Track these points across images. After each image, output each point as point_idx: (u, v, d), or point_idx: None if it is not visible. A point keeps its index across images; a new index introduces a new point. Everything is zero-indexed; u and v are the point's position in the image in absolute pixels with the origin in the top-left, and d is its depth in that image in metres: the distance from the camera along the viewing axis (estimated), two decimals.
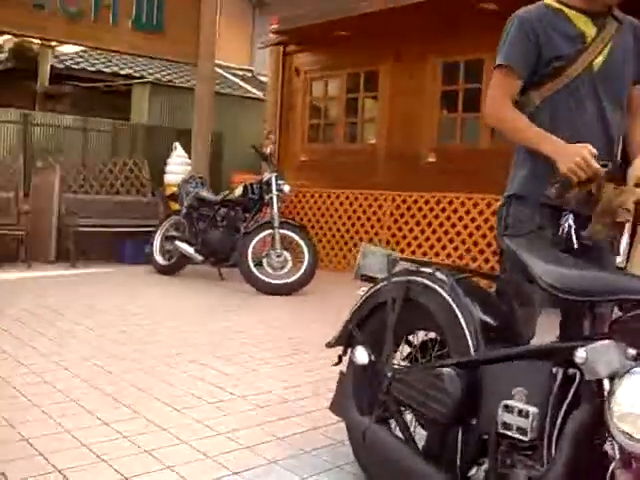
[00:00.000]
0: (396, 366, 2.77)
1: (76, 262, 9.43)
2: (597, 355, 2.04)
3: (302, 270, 7.84)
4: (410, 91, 9.65)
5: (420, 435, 2.73)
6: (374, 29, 9.53)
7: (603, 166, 2.47)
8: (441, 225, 9.01)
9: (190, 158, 10.90)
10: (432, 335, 2.83)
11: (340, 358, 3.06)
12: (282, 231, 7.96)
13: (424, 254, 9.13)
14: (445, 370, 2.40)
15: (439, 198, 9.05)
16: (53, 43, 13.35)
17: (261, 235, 8.03)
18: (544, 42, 2.68)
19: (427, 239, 9.16)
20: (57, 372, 4.29)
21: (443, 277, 2.61)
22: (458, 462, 2.40)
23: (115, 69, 14.89)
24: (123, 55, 14.01)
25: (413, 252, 9.25)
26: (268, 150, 8.38)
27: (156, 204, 10.78)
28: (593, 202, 2.51)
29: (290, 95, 11.53)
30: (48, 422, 3.38)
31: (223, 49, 19.02)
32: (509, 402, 2.17)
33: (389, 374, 2.70)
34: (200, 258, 8.63)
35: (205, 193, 8.92)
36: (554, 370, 2.16)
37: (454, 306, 2.53)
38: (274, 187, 8.05)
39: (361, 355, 2.80)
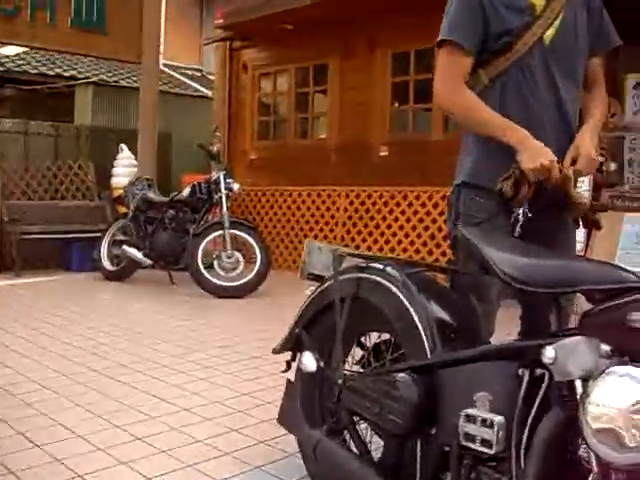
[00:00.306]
0: (347, 372, 2.53)
1: (21, 271, 9.06)
2: (567, 353, 1.83)
3: (255, 271, 7.59)
4: (360, 84, 9.43)
5: (378, 444, 2.50)
6: (321, 21, 9.28)
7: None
8: (396, 219, 8.81)
9: (137, 160, 10.56)
10: (386, 336, 2.60)
11: (288, 364, 2.82)
12: (233, 231, 7.69)
13: (380, 249, 8.93)
14: (400, 376, 2.17)
15: (393, 192, 8.85)
16: None
17: (211, 236, 7.75)
18: (491, 15, 2.45)
19: (382, 234, 8.95)
20: None
21: (395, 273, 2.38)
22: (418, 476, 2.17)
23: (58, 71, 14.41)
24: (66, 56, 13.61)
25: (369, 248, 9.04)
26: (215, 148, 8.08)
27: (103, 208, 10.45)
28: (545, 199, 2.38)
29: (238, 92, 11.25)
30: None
31: (171, 48, 18.69)
32: (471, 411, 1.95)
33: (340, 381, 2.46)
34: (149, 262, 8.32)
35: (152, 195, 8.61)
36: (520, 372, 1.95)
37: (407, 304, 2.30)
38: (222, 186, 7.78)
39: (309, 361, 2.56)
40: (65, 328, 5.77)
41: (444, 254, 8.22)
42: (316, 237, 9.69)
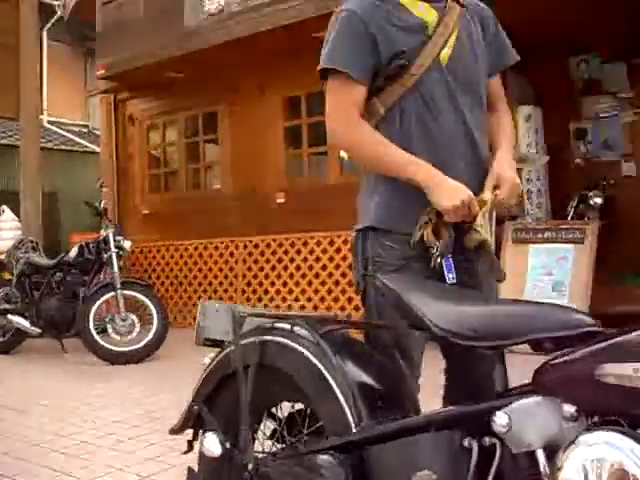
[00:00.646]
0: (258, 454, 2.14)
1: None
2: (524, 418, 1.52)
3: (152, 333, 7.11)
4: (252, 130, 9.14)
5: None
6: (208, 68, 8.95)
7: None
8: (298, 268, 8.47)
9: (21, 221, 9.95)
10: (301, 405, 2.24)
11: (190, 444, 2.40)
12: (125, 292, 7.19)
13: (283, 300, 8.57)
14: (321, 458, 1.82)
15: (293, 239, 8.53)
16: None
17: (103, 299, 7.24)
18: (380, 37, 2.15)
19: (284, 284, 8.60)
20: None
21: (305, 333, 2.03)
22: None
23: None
24: None
25: (271, 299, 8.67)
26: (102, 204, 7.61)
27: None
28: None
29: (126, 145, 10.80)
30: None
31: (56, 105, 18.05)
32: None
33: (250, 467, 2.07)
34: (38, 331, 7.70)
35: (37, 258, 8.03)
36: (466, 443, 1.62)
37: (322, 369, 1.95)
38: (112, 244, 7.29)
39: (212, 444, 2.16)
40: None
41: (350, 300, 7.92)
42: (216, 292, 9.26)
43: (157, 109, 10.45)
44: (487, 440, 1.59)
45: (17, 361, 7.65)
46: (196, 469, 2.32)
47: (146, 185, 10.65)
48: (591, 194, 7.53)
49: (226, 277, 9.20)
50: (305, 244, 8.42)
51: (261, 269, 8.84)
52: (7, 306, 8.07)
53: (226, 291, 9.16)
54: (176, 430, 2.42)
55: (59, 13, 16.61)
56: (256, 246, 8.90)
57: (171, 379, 5.99)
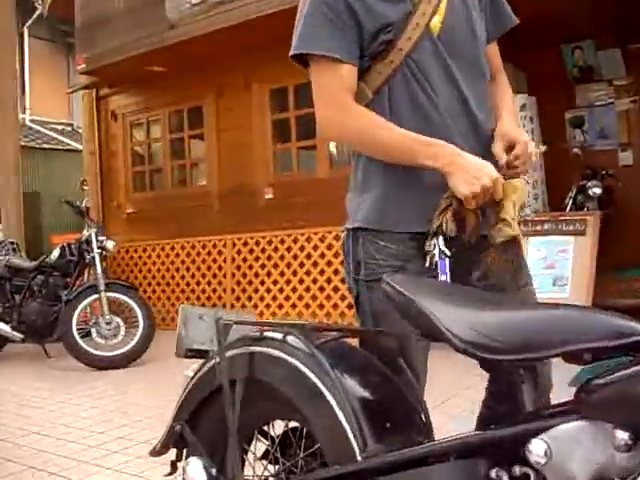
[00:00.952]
0: None
1: None
2: (566, 447, 1.26)
3: (137, 336, 6.83)
4: (238, 124, 8.87)
5: None
6: (191, 60, 8.68)
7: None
8: (289, 265, 8.21)
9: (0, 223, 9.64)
10: (296, 423, 1.98)
11: (173, 465, 2.14)
12: (109, 294, 6.92)
13: (274, 298, 8.30)
14: None
15: (282, 236, 8.26)
16: None
17: (86, 301, 6.95)
18: (360, 11, 1.88)
19: (275, 282, 8.33)
20: None
21: (299, 343, 1.76)
22: None
23: None
24: None
25: (262, 298, 8.40)
26: (84, 203, 7.32)
27: None
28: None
29: (109, 142, 10.51)
30: None
31: (39, 104, 17.74)
32: None
33: None
34: (19, 336, 7.39)
35: (17, 260, 7.73)
36: (493, 474, 1.36)
37: (319, 384, 1.69)
38: (94, 245, 7.01)
39: (196, 471, 1.90)
40: None
41: (343, 298, 7.66)
42: (204, 291, 8.98)
43: (140, 105, 10.16)
44: (518, 470, 1.34)
45: None
46: None
47: (130, 183, 10.36)
48: (590, 184, 7.29)
49: (215, 276, 8.93)
50: (295, 241, 8.15)
51: (250, 267, 8.57)
52: None
53: (215, 291, 8.89)
54: (157, 452, 2.17)
55: (39, 10, 16.33)
56: (245, 244, 8.63)
57: (157, 386, 5.72)
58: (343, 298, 7.65)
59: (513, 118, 2.02)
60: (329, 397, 1.66)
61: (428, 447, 1.49)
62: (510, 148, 1.89)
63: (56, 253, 7.29)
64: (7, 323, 7.46)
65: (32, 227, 10.32)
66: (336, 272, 7.72)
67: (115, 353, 6.79)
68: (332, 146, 8.39)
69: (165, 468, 2.11)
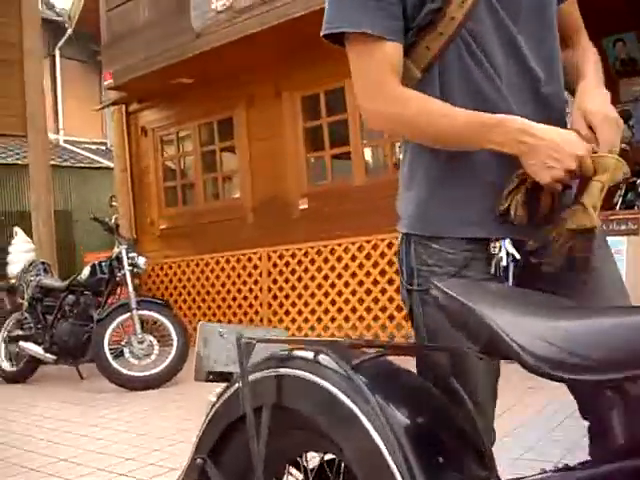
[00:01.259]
0: None
1: None
2: None
3: (171, 355, 6.59)
4: (270, 134, 8.64)
5: None
6: (219, 70, 8.47)
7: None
8: (326, 277, 7.93)
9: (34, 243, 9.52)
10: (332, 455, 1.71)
11: None
12: (142, 312, 6.71)
13: (312, 312, 8.03)
14: None
15: (319, 247, 7.99)
16: None
17: (118, 320, 6.74)
18: None
19: (313, 295, 8.06)
20: None
21: (333, 364, 1.48)
22: None
23: None
24: None
25: (299, 312, 8.14)
26: (113, 220, 7.13)
27: (2, 301, 9.32)
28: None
29: (140, 158, 10.36)
30: None
31: (73, 125, 17.75)
32: None
33: None
34: (52, 357, 7.23)
35: (48, 280, 7.58)
36: None
37: (357, 412, 1.41)
38: (125, 262, 6.82)
39: None
40: None
41: (383, 310, 7.38)
42: (240, 307, 8.74)
43: (170, 119, 10.00)
44: None
45: (30, 390, 7.19)
46: None
47: (162, 199, 10.19)
48: None
49: (251, 291, 8.69)
50: (332, 251, 7.88)
51: (287, 281, 8.31)
52: (19, 332, 7.63)
53: (251, 306, 8.65)
54: None
55: (70, 31, 16.35)
56: (280, 256, 8.37)
57: (191, 408, 5.44)
58: (384, 309, 7.37)
59: (597, 84, 1.63)
60: (368, 426, 1.38)
61: None
62: (593, 127, 1.51)
63: (87, 272, 7.11)
64: (39, 344, 7.31)
65: (65, 246, 10.20)
66: (375, 283, 7.45)
67: (148, 373, 6.57)
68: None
69: None
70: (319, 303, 7.98)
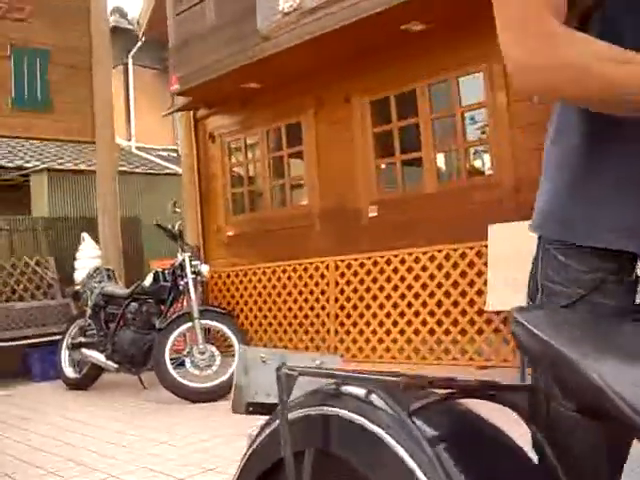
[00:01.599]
0: None
1: None
2: None
3: (232, 368, 6.37)
4: (338, 139, 8.38)
5: None
6: (286, 75, 8.28)
7: None
8: (395, 288, 7.62)
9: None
10: None
11: None
12: (204, 321, 6.52)
13: (381, 324, 7.73)
14: None
15: (388, 257, 7.68)
16: None
17: (179, 330, 6.57)
18: None
19: (381, 306, 7.75)
20: None
21: (387, 407, 1.21)
22: None
23: (3, 162, 13.10)
24: (13, 144, 12.52)
25: (368, 324, 7.84)
26: (177, 226, 6.97)
27: (67, 306, 9.31)
28: None
29: (207, 164, 10.23)
30: None
31: (145, 131, 17.84)
32: None
33: None
34: (114, 365, 7.10)
35: (111, 288, 7.47)
36: None
37: (413, 466, 1.12)
38: (188, 270, 6.64)
39: None
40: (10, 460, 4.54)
41: (455, 323, 7.03)
42: (307, 317, 8.50)
43: (238, 124, 9.83)
44: None
45: (89, 399, 7.05)
46: None
47: (230, 205, 10.03)
48: None
49: (317, 301, 8.43)
50: (402, 261, 7.57)
51: (355, 291, 8.03)
52: (82, 339, 7.54)
53: (318, 316, 8.39)
54: None
55: (142, 37, 16.44)
56: (348, 266, 8.10)
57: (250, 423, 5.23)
58: (455, 323, 7.02)
59: None
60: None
61: None
62: None
63: (149, 279, 6.96)
64: (102, 352, 7.20)
65: (133, 253, 10.10)
66: (447, 295, 7.10)
67: (209, 385, 6.36)
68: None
69: None
70: (388, 315, 7.68)
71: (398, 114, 7.88)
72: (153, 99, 18.27)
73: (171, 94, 10.39)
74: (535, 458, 1.16)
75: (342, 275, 8.15)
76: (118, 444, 4.95)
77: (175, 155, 17.61)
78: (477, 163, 8.97)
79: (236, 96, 9.17)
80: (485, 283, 6.45)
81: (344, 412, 1.30)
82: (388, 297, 7.68)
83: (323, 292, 8.36)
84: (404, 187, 8.10)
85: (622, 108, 1.09)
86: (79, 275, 9.31)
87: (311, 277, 8.50)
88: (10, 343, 8.46)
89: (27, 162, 12.82)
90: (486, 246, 6.40)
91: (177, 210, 7.12)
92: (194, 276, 6.68)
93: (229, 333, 6.57)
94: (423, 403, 1.19)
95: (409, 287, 7.48)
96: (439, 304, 7.18)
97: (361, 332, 7.90)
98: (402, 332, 7.51)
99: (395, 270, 7.62)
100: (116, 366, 7.10)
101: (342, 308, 8.14)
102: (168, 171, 14.65)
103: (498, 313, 6.52)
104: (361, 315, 7.94)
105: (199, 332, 6.48)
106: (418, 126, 7.65)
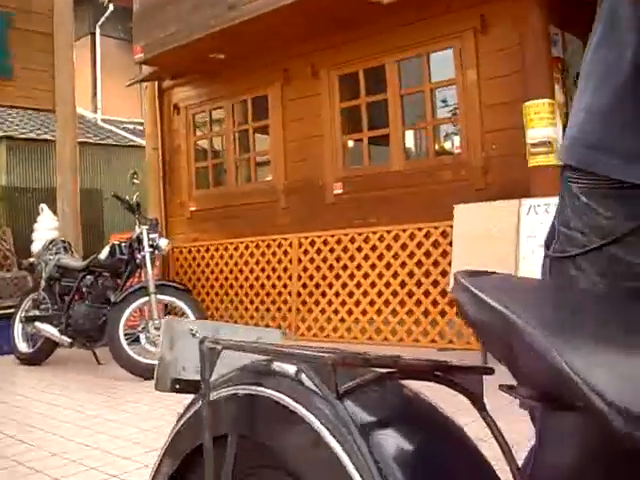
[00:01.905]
0: None
1: None
2: None
3: None
4: (305, 114, 8.20)
5: None
6: (254, 46, 8.06)
7: None
8: (359, 267, 7.49)
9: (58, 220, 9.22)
10: None
11: None
12: (161, 297, 6.33)
13: (342, 303, 7.59)
14: None
15: (352, 235, 7.55)
16: None
17: (135, 304, 6.36)
18: None
19: (344, 285, 7.62)
20: None
21: (314, 387, 1.05)
22: None
23: None
24: None
25: (330, 303, 7.71)
26: (135, 198, 6.74)
27: (25, 279, 9.07)
28: None
29: (172, 137, 9.99)
30: None
31: (111, 104, 17.47)
32: None
33: None
34: (68, 340, 6.87)
35: (67, 260, 7.22)
36: None
37: (342, 454, 0.97)
38: (146, 243, 6.43)
39: None
40: None
41: (418, 303, 6.92)
42: (268, 294, 8.34)
43: (203, 96, 9.60)
44: None
45: (44, 373, 6.85)
46: None
47: (193, 180, 9.80)
48: None
49: (279, 278, 8.28)
50: (366, 240, 7.43)
51: (318, 269, 7.89)
52: (36, 312, 7.30)
53: (280, 294, 8.24)
54: None
55: (111, 8, 16.08)
56: (312, 243, 7.95)
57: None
58: (418, 303, 6.91)
59: None
60: (353, 473, 0.96)
61: None
62: None
63: (106, 252, 6.73)
64: (56, 326, 6.97)
65: (93, 226, 9.87)
66: (411, 275, 6.98)
67: None
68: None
69: None
70: (350, 294, 7.55)
71: (367, 89, 7.71)
72: (121, 71, 17.86)
73: (139, 66, 10.10)
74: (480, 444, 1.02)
75: (305, 252, 8.00)
76: (73, 423, 4.77)
77: (141, 128, 17.32)
78: (447, 144, 8.84)
79: (202, 67, 8.94)
80: (450, 264, 6.34)
81: (270, 392, 1.15)
82: (351, 276, 7.55)
83: (285, 269, 8.21)
84: (371, 164, 7.94)
85: None
86: (36, 247, 9.06)
87: (274, 254, 8.34)
88: None
89: None
90: (452, 226, 6.27)
91: (136, 181, 6.88)
92: (152, 250, 6.47)
93: (186, 309, 6.37)
94: (356, 383, 1.04)
95: (372, 266, 7.36)
96: (402, 284, 7.06)
97: (323, 311, 7.76)
98: (364, 312, 7.38)
99: (359, 249, 7.49)
100: (70, 341, 6.88)
101: (304, 286, 8.00)
102: (133, 144, 14.36)
103: None
104: (323, 294, 7.80)
105: (155, 307, 6.28)
106: (387, 102, 7.49)
